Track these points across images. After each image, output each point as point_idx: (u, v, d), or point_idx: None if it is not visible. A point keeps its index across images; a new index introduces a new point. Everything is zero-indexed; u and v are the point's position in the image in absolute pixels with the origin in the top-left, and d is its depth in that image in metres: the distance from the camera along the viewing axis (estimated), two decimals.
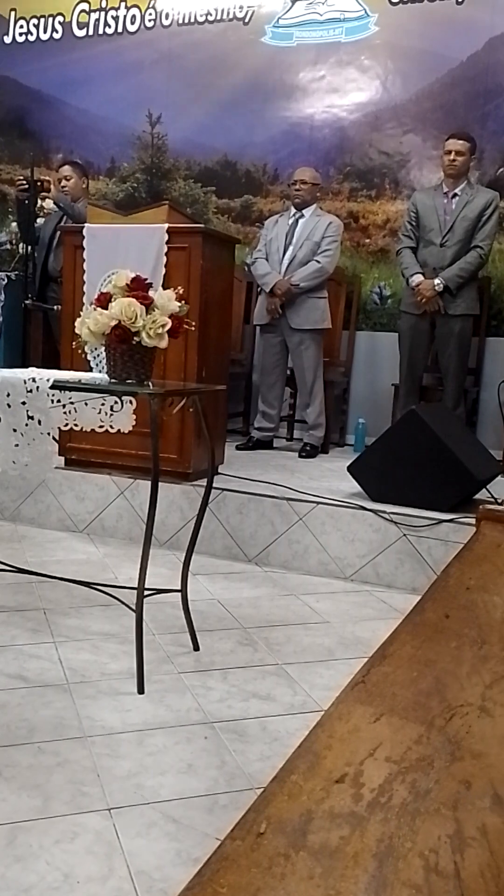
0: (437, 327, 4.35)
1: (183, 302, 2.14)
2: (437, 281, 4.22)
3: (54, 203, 4.82)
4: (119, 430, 2.49)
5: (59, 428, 2.58)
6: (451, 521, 3.08)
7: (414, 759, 0.98)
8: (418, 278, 4.29)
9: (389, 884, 0.77)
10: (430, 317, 4.34)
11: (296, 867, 0.77)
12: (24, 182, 4.72)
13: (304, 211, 4.48)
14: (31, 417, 2.22)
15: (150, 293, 2.11)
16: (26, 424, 2.19)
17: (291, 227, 4.47)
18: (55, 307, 4.67)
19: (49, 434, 2.24)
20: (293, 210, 4.52)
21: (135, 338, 2.07)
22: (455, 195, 4.30)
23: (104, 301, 2.10)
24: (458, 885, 0.77)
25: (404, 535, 3.12)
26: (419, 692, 1.16)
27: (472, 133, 4.50)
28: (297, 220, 4.48)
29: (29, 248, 4.91)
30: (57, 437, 3.50)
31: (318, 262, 4.35)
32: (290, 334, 4.43)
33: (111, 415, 2.43)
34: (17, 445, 2.25)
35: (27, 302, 4.86)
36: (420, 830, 0.84)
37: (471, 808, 0.89)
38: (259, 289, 4.62)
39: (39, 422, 2.23)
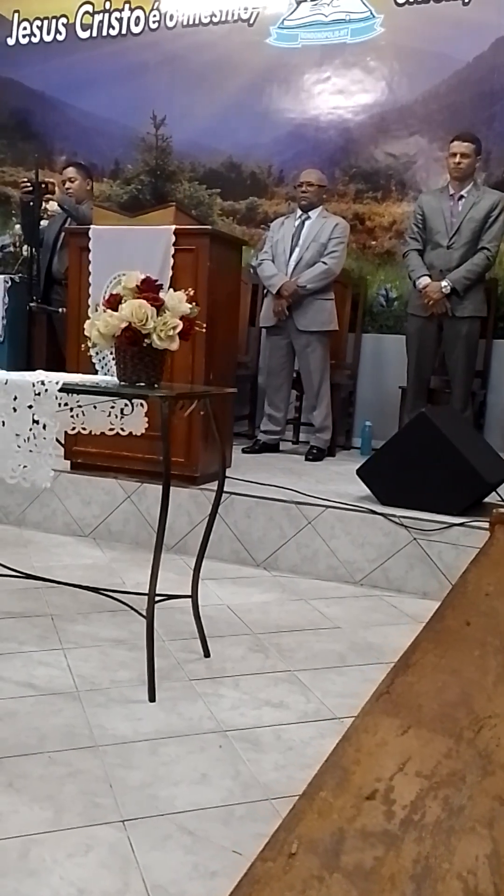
0: (445, 329, 4.32)
1: (194, 304, 2.11)
2: (444, 283, 4.19)
3: (58, 205, 4.80)
4: (130, 433, 2.47)
5: (65, 432, 2.56)
6: (461, 524, 3.04)
7: (445, 774, 0.95)
8: (425, 280, 4.27)
9: None
10: (438, 319, 4.31)
11: (331, 890, 0.74)
12: (29, 184, 4.69)
13: (310, 213, 4.45)
14: (37, 422, 2.18)
15: (161, 295, 2.08)
16: (30, 429, 2.16)
17: (298, 229, 4.44)
18: (60, 310, 4.65)
19: (53, 439, 2.20)
20: (299, 212, 4.50)
21: (145, 340, 2.05)
22: (461, 197, 4.28)
23: (114, 303, 2.07)
24: None
25: (414, 538, 3.08)
26: (445, 703, 1.13)
27: (479, 134, 4.47)
28: (303, 222, 4.45)
29: (33, 250, 4.89)
30: (62, 441, 3.50)
31: (324, 263, 4.33)
32: (296, 336, 4.40)
33: (121, 418, 2.40)
34: (18, 450, 2.21)
35: (31, 304, 4.83)
36: (457, 850, 0.81)
37: None
38: (265, 291, 4.60)
39: (44, 426, 2.19)
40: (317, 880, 0.75)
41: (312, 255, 4.36)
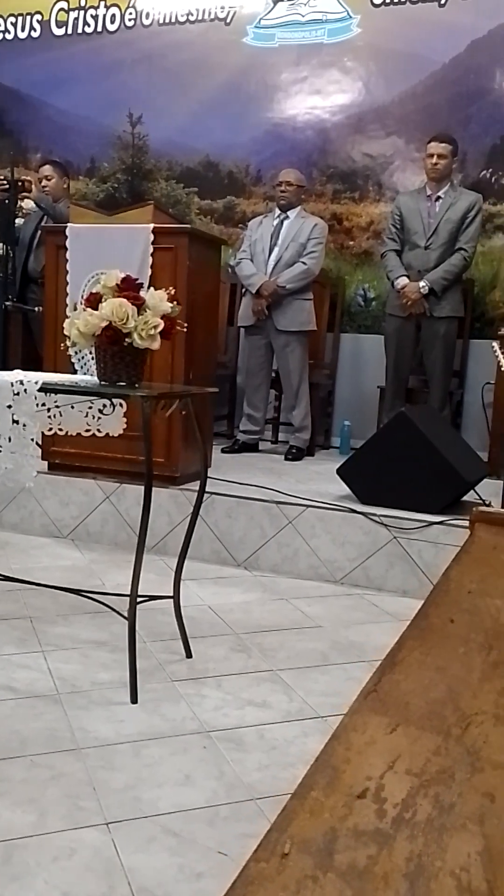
0: (423, 330, 4.35)
1: (175, 303, 2.10)
2: (422, 284, 4.21)
3: (35, 203, 4.75)
4: (107, 434, 2.45)
5: (42, 432, 2.53)
6: (440, 523, 3.06)
7: (434, 772, 0.95)
8: (403, 281, 4.29)
9: None
10: (416, 319, 4.33)
11: (325, 890, 0.73)
12: (5, 182, 4.64)
13: (288, 212, 4.46)
14: (16, 422, 2.16)
15: (142, 293, 2.07)
16: (10, 429, 2.14)
17: (276, 229, 4.44)
18: (36, 308, 4.61)
19: (33, 440, 2.18)
20: (277, 211, 4.50)
21: (126, 339, 2.03)
22: (438, 198, 4.30)
23: (94, 302, 2.06)
24: None
25: (394, 537, 3.10)
26: (432, 701, 1.13)
27: (455, 136, 4.51)
28: (281, 222, 4.46)
29: (8, 248, 4.83)
30: (40, 442, 3.46)
31: (303, 263, 4.34)
32: (275, 336, 4.40)
33: (100, 418, 2.39)
34: (0, 450, 2.19)
35: (7, 304, 4.78)
36: (449, 848, 0.81)
37: (497, 822, 0.86)
38: (243, 290, 4.59)
39: (24, 426, 2.17)
40: (311, 880, 0.75)
41: (291, 254, 4.37)
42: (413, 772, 0.95)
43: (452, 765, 0.98)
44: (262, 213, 4.80)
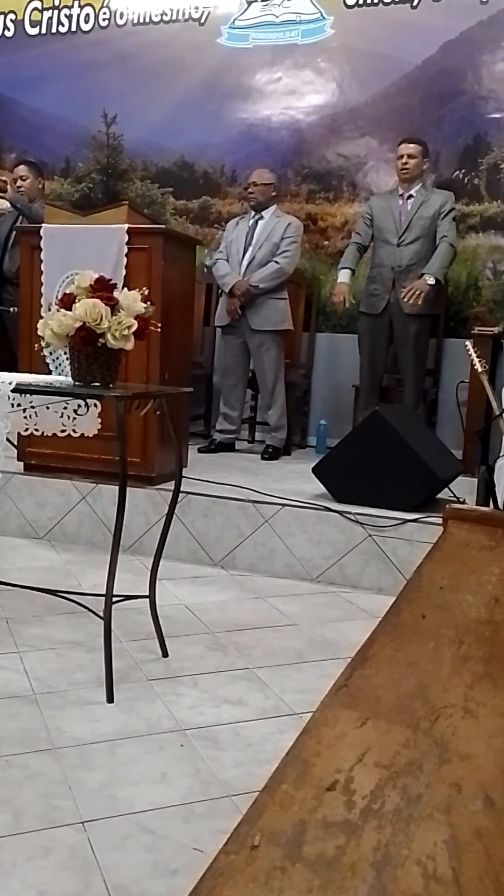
0: (395, 329, 4.38)
1: (148, 303, 2.11)
2: (427, 278, 4.18)
3: (11, 204, 4.72)
4: (82, 435, 2.45)
5: (19, 433, 2.53)
6: (415, 520, 3.09)
7: (403, 764, 0.97)
8: (344, 275, 4.44)
9: (389, 893, 0.75)
10: (389, 318, 4.37)
11: (293, 880, 0.75)
12: None
13: (263, 213, 4.47)
14: None
15: (115, 294, 2.07)
16: None
17: (251, 229, 4.46)
18: (11, 309, 4.58)
19: (4, 439, 2.17)
20: (253, 212, 4.52)
21: (100, 339, 2.03)
22: (411, 196, 4.34)
23: (67, 302, 2.06)
24: (458, 892, 0.76)
25: (369, 535, 3.12)
26: (402, 695, 1.15)
27: (428, 136, 4.55)
28: (256, 222, 4.47)
29: None
30: (15, 443, 3.45)
31: (276, 262, 4.35)
32: (250, 336, 4.42)
33: (75, 419, 2.39)
34: None
35: None
36: (415, 837, 0.83)
37: (463, 811, 0.88)
38: (220, 290, 4.60)
39: None
40: (279, 871, 0.76)
41: (265, 254, 4.38)
42: (382, 764, 0.97)
43: (421, 757, 1.00)
44: (239, 214, 4.81)
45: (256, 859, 0.77)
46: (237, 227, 4.54)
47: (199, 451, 4.42)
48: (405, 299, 4.19)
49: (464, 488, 3.41)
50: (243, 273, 4.39)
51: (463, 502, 3.21)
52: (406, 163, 4.31)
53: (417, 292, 4.16)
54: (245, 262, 4.41)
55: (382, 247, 4.39)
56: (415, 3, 4.86)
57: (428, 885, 0.76)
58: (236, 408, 4.57)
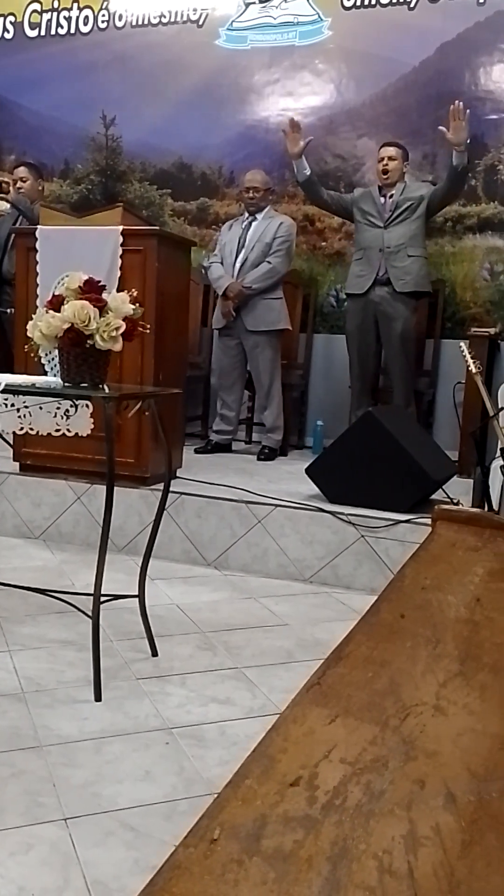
0: (381, 324, 4.37)
1: (137, 304, 2.12)
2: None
3: (13, 205, 4.75)
4: (76, 434, 2.47)
5: (13, 432, 2.55)
6: (408, 521, 3.10)
7: (368, 760, 0.98)
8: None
9: (343, 886, 0.76)
10: (374, 311, 4.36)
11: (249, 873, 0.76)
12: None
13: (257, 214, 4.51)
14: None
15: (104, 295, 2.09)
16: None
17: (244, 231, 4.49)
18: (8, 310, 4.60)
19: None
20: (246, 214, 4.55)
21: (88, 341, 2.05)
22: (392, 195, 4.36)
23: (56, 304, 2.07)
24: (412, 885, 0.77)
25: (362, 536, 3.13)
26: (374, 693, 1.16)
27: (425, 138, 4.59)
28: (250, 224, 4.50)
29: None
30: (11, 442, 3.48)
31: (269, 262, 4.39)
32: (246, 337, 4.44)
33: (67, 419, 2.40)
34: None
35: None
36: (374, 832, 0.84)
37: (424, 807, 0.89)
38: (216, 293, 4.62)
39: None
40: (236, 864, 0.77)
41: (257, 255, 4.41)
42: (347, 760, 0.98)
43: (387, 754, 1.01)
44: (235, 215, 4.83)
45: (214, 852, 0.79)
46: (231, 229, 4.57)
47: (196, 451, 4.43)
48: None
49: (459, 489, 3.42)
50: (236, 275, 4.41)
51: (457, 504, 3.22)
52: (387, 165, 4.34)
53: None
54: (238, 264, 4.44)
55: (368, 229, 4.39)
56: (412, 5, 4.87)
57: (382, 878, 0.77)
58: (233, 408, 4.59)
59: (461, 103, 4.04)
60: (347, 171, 5.15)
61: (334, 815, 0.86)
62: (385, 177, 4.35)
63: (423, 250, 4.38)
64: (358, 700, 1.13)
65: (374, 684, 1.19)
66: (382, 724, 1.06)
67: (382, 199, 4.38)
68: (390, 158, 4.34)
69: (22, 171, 4.89)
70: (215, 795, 1.67)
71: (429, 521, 3.15)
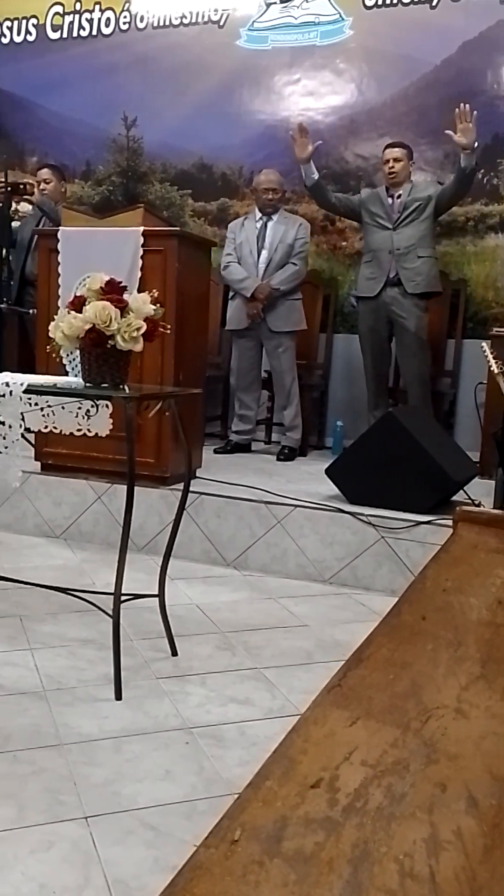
0: (394, 329, 4.35)
1: (158, 305, 2.13)
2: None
3: (38, 207, 4.80)
4: (97, 434, 2.48)
5: (39, 430, 2.57)
6: (428, 522, 3.09)
7: (389, 763, 0.98)
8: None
9: (364, 889, 0.76)
10: (386, 311, 4.33)
11: (270, 874, 0.76)
12: (7, 186, 4.70)
13: (272, 215, 4.51)
14: (2, 423, 2.19)
15: (125, 296, 2.09)
16: None
17: (261, 231, 4.49)
18: (31, 311, 4.64)
19: (19, 440, 2.21)
20: (258, 213, 4.55)
21: (109, 341, 2.06)
22: (399, 195, 4.33)
23: (78, 304, 2.09)
24: (433, 889, 0.77)
25: (382, 537, 3.12)
26: (395, 695, 1.15)
27: (446, 136, 4.52)
28: (265, 224, 4.50)
29: (3, 251, 4.87)
30: (33, 442, 3.50)
31: (294, 264, 4.40)
32: (268, 337, 4.44)
33: (88, 419, 2.42)
34: None
35: (1, 306, 4.81)
36: (395, 835, 0.84)
37: (446, 811, 0.89)
38: (231, 294, 4.60)
39: (10, 427, 2.20)
40: (257, 865, 0.77)
41: (281, 256, 4.42)
42: (369, 763, 0.98)
43: (408, 756, 1.01)
44: (243, 216, 4.83)
45: (235, 853, 0.79)
46: (244, 228, 4.55)
47: (215, 451, 4.44)
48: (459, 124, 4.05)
49: (481, 491, 3.40)
50: (261, 275, 4.40)
51: (479, 505, 3.20)
52: (392, 167, 4.33)
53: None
54: (262, 265, 4.44)
55: (377, 231, 4.37)
56: (434, 4, 4.84)
57: (404, 882, 0.77)
58: (252, 408, 4.59)
59: (467, 105, 4.03)
60: (368, 171, 5.13)
61: (355, 818, 0.86)
62: (392, 178, 4.34)
63: (433, 250, 4.36)
64: (379, 702, 1.12)
65: (395, 686, 1.18)
66: (404, 727, 1.06)
67: (390, 200, 4.36)
68: (395, 160, 4.33)
69: (45, 173, 4.94)
70: (235, 796, 1.67)
71: (449, 522, 3.13)
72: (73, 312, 2.08)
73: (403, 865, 0.79)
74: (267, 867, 0.77)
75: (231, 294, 4.59)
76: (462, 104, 4.04)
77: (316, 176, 4.41)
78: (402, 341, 4.35)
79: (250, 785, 0.90)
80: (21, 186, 4.73)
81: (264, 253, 4.45)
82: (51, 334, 2.15)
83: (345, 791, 0.91)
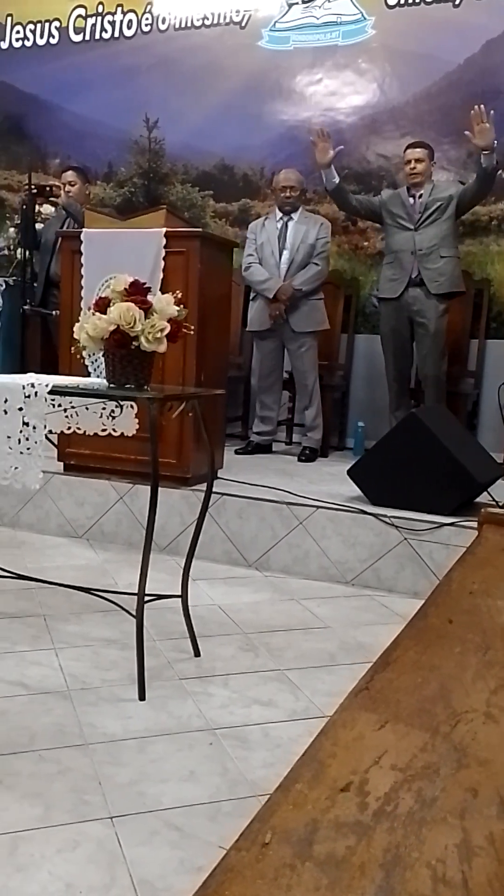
0: (414, 324, 4.32)
1: (182, 306, 2.13)
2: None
3: (65, 209, 4.84)
4: (121, 435, 2.49)
5: (62, 431, 2.58)
6: (452, 524, 3.06)
7: (419, 767, 0.97)
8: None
9: (396, 894, 0.75)
10: (408, 312, 4.31)
11: (301, 878, 0.76)
12: (34, 187, 4.76)
13: (292, 214, 4.49)
14: (27, 424, 2.20)
15: (149, 297, 2.10)
16: (21, 431, 2.18)
17: (282, 231, 4.48)
18: (53, 312, 4.67)
19: (43, 440, 2.22)
20: (279, 213, 4.53)
21: (133, 342, 2.07)
22: (420, 195, 4.31)
23: (102, 306, 2.09)
24: (466, 895, 0.76)
25: (405, 538, 3.10)
26: (424, 698, 1.14)
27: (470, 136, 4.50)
28: (286, 223, 4.49)
29: (27, 253, 4.91)
30: (56, 443, 3.52)
31: (316, 264, 4.40)
32: (290, 338, 4.43)
33: (113, 419, 2.43)
34: (10, 451, 2.23)
35: (25, 307, 4.85)
36: (427, 840, 0.83)
37: (478, 816, 0.88)
38: (252, 295, 4.59)
39: (34, 428, 2.21)
40: (289, 868, 0.77)
41: (303, 256, 4.41)
42: (398, 767, 0.97)
43: (438, 760, 1.00)
44: (264, 216, 4.82)
45: (266, 857, 0.78)
46: (264, 228, 4.53)
47: (237, 452, 4.44)
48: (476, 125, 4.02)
49: None
50: (283, 276, 4.40)
51: (502, 506, 3.17)
52: (414, 167, 4.31)
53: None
54: (284, 265, 4.43)
55: (398, 232, 4.35)
56: (457, 2, 4.82)
57: (437, 887, 0.76)
58: (273, 409, 4.59)
59: (482, 106, 4.00)
60: (390, 171, 5.11)
61: (386, 822, 0.85)
62: (413, 178, 4.31)
63: (456, 250, 4.33)
64: (407, 706, 1.12)
65: (423, 690, 1.18)
66: (433, 731, 1.05)
67: (412, 200, 4.33)
68: (417, 160, 4.30)
69: (70, 175, 4.97)
70: (259, 798, 1.68)
71: (473, 524, 3.11)
72: (97, 314, 2.09)
73: (436, 871, 0.78)
74: (298, 871, 0.77)
75: (252, 295, 4.58)
76: (477, 105, 4.02)
77: (337, 180, 4.40)
78: (422, 340, 4.33)
79: (280, 788, 0.90)
80: (48, 189, 4.78)
81: (286, 253, 4.44)
82: (75, 335, 2.17)
83: (375, 795, 0.90)
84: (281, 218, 4.51)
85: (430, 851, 0.81)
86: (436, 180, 4.45)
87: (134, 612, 2.16)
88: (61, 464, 3.68)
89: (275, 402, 4.60)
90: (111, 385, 2.15)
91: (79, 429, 2.56)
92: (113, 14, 5.79)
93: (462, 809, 0.89)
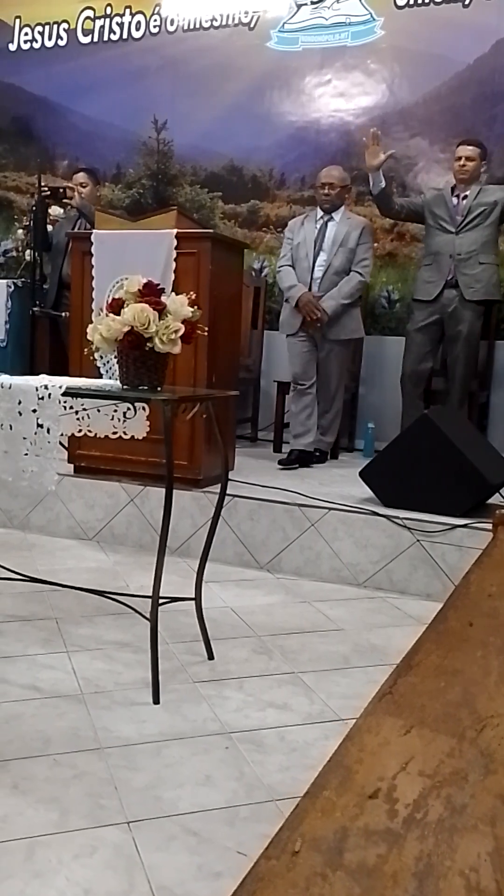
0: (447, 325, 4.27)
1: (195, 307, 2.12)
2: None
3: (78, 210, 4.84)
4: (132, 437, 2.48)
5: (73, 434, 2.57)
6: (464, 526, 3.05)
7: (447, 773, 0.95)
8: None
9: None
10: (442, 313, 4.28)
11: (334, 887, 0.75)
12: (47, 189, 4.77)
13: (333, 214, 4.31)
14: (41, 426, 2.19)
15: (163, 298, 2.09)
16: (35, 433, 2.17)
17: (320, 232, 4.28)
18: (63, 314, 4.67)
19: (57, 442, 2.21)
20: (319, 213, 4.34)
21: (147, 344, 2.05)
22: (465, 196, 4.27)
23: (116, 307, 2.08)
24: None
25: (418, 540, 3.09)
26: (448, 703, 1.13)
27: (480, 136, 4.48)
28: (325, 224, 4.30)
29: (36, 254, 4.91)
30: (66, 445, 3.51)
31: (360, 274, 4.22)
32: (322, 343, 4.28)
33: (124, 421, 2.42)
34: (26, 454, 2.22)
35: (34, 309, 4.85)
36: (458, 848, 0.82)
37: None
38: (286, 298, 4.44)
39: (48, 430, 2.20)
40: (320, 878, 0.76)
41: (342, 262, 4.22)
42: (426, 773, 0.96)
43: (466, 766, 0.98)
44: (286, 218, 4.77)
45: (297, 865, 0.77)
46: (302, 228, 4.33)
47: (280, 463, 4.19)
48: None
49: None
50: (320, 280, 4.22)
51: None
52: (464, 165, 4.22)
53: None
54: (318, 269, 4.24)
55: (439, 234, 4.28)
56: (466, 2, 4.80)
57: None
58: (313, 416, 4.35)
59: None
60: (400, 172, 5.09)
61: (416, 830, 0.84)
62: (463, 176, 4.23)
63: (495, 257, 4.27)
64: (432, 710, 1.10)
65: (447, 694, 1.16)
66: (459, 736, 1.04)
67: (455, 201, 4.26)
68: (468, 159, 4.22)
69: (81, 177, 4.98)
70: (277, 802, 1.66)
71: (486, 525, 3.09)
72: (111, 315, 2.08)
73: (469, 880, 0.77)
74: (330, 880, 0.75)
75: (285, 297, 4.38)
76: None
77: (383, 184, 4.30)
78: (454, 343, 4.28)
79: (307, 794, 0.89)
80: (61, 191, 4.79)
81: (322, 255, 4.25)
82: (89, 337, 2.15)
83: (403, 802, 0.89)
84: (321, 217, 4.32)
85: (462, 860, 0.80)
86: (483, 183, 4.35)
87: (147, 615, 2.15)
88: (72, 466, 3.68)
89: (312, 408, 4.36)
90: (125, 387, 2.14)
91: (90, 431, 2.54)
92: (121, 15, 5.79)
93: (493, 816, 0.88)
